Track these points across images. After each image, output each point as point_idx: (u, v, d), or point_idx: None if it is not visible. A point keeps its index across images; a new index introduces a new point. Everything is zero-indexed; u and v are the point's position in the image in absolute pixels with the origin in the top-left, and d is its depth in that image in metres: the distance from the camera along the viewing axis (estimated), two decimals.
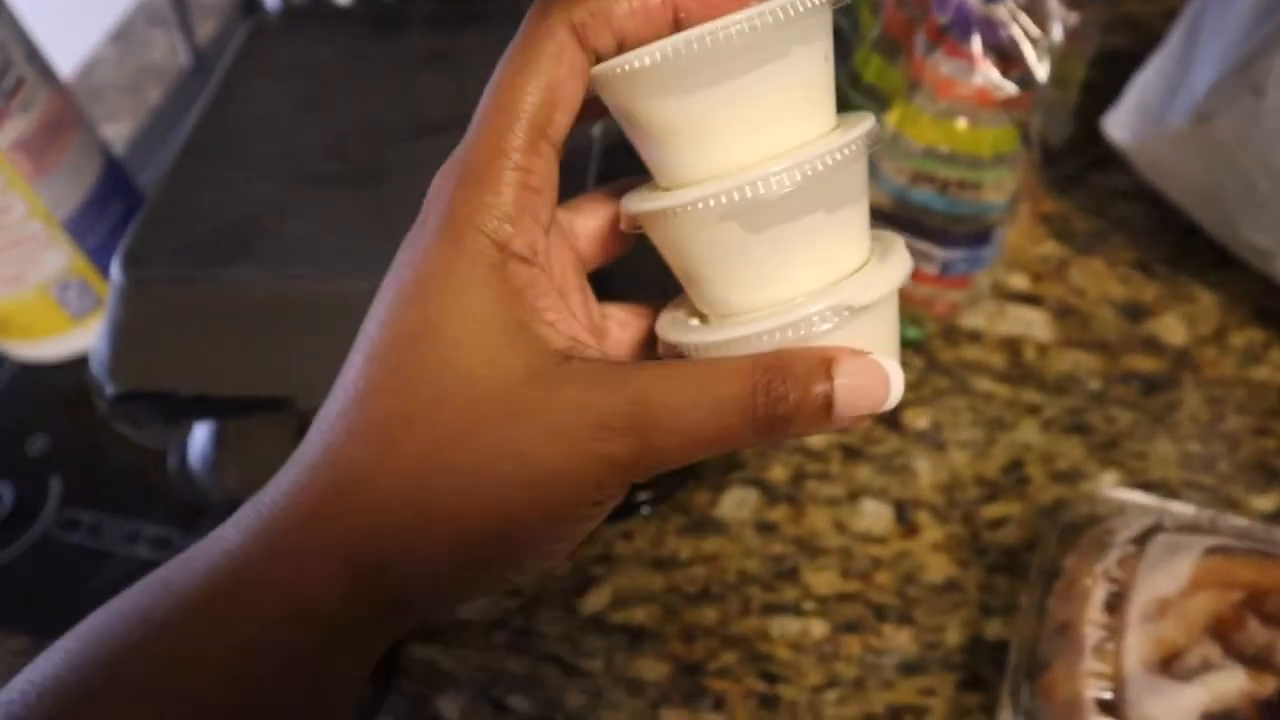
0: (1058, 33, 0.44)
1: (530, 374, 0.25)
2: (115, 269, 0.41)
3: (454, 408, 0.25)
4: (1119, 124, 0.56)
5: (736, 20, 0.23)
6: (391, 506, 0.25)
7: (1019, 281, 0.58)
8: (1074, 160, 0.62)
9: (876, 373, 0.25)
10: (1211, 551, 0.41)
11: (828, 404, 0.25)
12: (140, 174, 0.71)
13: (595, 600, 0.49)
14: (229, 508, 0.49)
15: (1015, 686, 0.42)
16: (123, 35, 0.84)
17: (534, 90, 0.26)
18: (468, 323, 0.25)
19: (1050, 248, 0.59)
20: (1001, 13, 0.44)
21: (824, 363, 0.25)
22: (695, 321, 0.28)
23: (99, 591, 0.53)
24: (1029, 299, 0.57)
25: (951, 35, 0.44)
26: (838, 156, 0.24)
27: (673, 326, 0.28)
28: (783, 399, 0.24)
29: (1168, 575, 0.41)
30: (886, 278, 0.26)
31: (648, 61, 0.24)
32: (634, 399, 0.24)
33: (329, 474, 0.25)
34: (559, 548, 0.26)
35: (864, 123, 0.26)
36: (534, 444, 0.24)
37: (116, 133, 0.76)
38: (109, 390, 0.42)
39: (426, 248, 0.26)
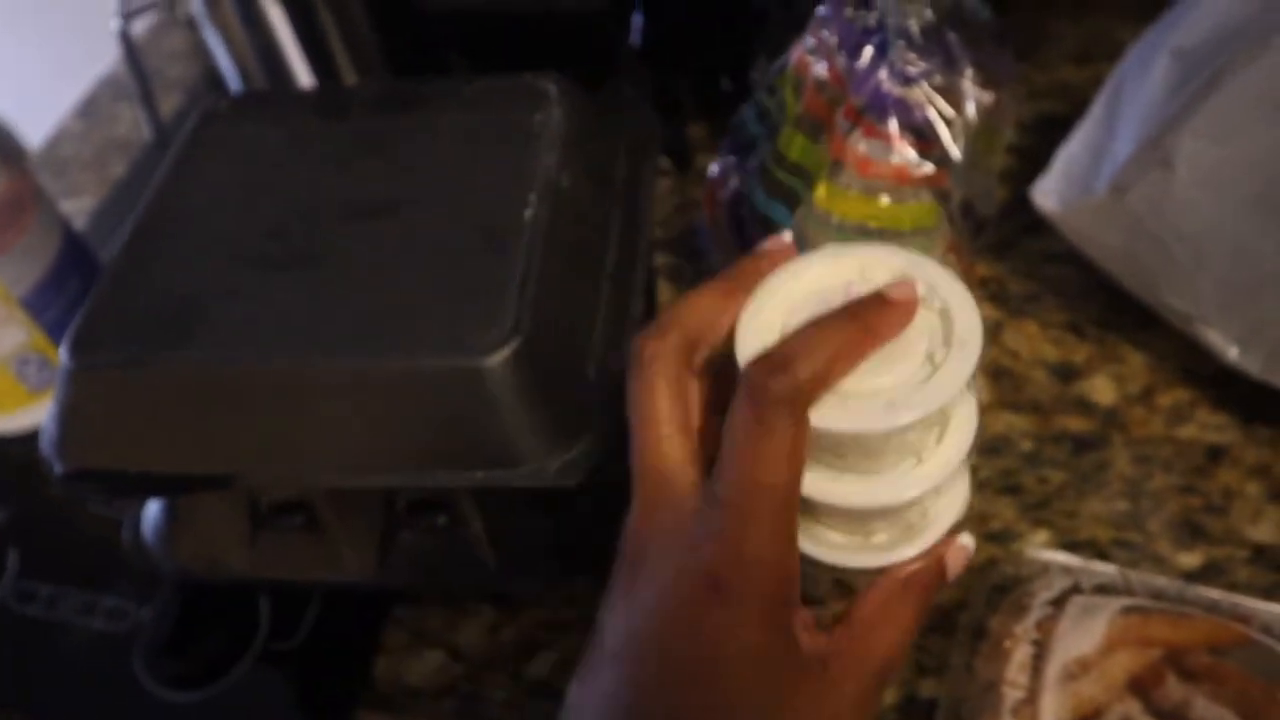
0: (971, 112, 0.46)
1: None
2: (63, 353, 0.42)
3: None
4: (1046, 192, 0.59)
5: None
6: None
7: None
8: (1008, 225, 0.64)
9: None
10: (1127, 611, 0.43)
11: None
12: (102, 247, 0.73)
13: (540, 666, 0.50)
14: (182, 579, 0.50)
15: None
16: (90, 109, 0.86)
17: (682, 440, 0.32)
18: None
19: (986, 311, 0.61)
20: (916, 94, 0.46)
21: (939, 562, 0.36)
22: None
23: (55, 663, 0.54)
24: None
25: (868, 116, 0.46)
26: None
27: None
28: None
29: (1084, 635, 0.42)
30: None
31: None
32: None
33: None
34: None
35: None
36: None
37: (79, 206, 0.77)
38: (58, 468, 0.43)
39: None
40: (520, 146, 0.46)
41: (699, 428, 0.33)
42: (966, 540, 0.36)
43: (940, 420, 0.34)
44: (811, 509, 0.36)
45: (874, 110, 0.46)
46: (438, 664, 0.51)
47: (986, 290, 0.62)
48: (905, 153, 0.46)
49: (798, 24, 0.50)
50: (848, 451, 0.34)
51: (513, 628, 0.52)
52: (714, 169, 0.55)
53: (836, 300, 0.33)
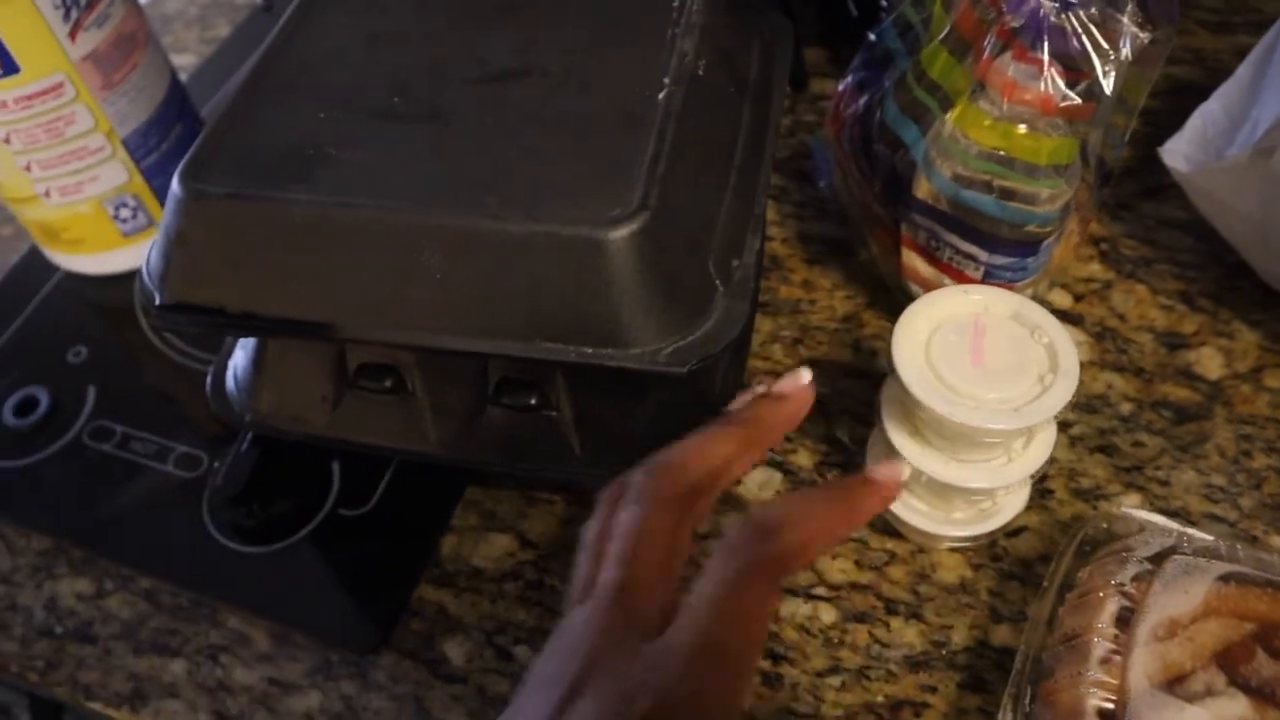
0: (1127, 50, 0.44)
1: None
2: (175, 181, 0.42)
3: None
4: (1177, 152, 0.56)
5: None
6: None
7: (1060, 299, 0.58)
8: (1127, 186, 0.62)
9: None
10: (1227, 579, 0.41)
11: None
12: (201, 107, 0.72)
13: None
14: (261, 432, 0.50)
15: (1018, 690, 0.42)
16: None
17: (662, 590, 0.32)
18: None
19: (1095, 269, 0.59)
20: (1074, 22, 0.44)
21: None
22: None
23: (122, 503, 0.54)
24: (1069, 317, 0.57)
25: (1022, 39, 0.44)
26: None
27: None
28: None
29: (1181, 597, 0.41)
30: None
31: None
32: None
33: None
34: None
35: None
36: None
37: (181, 63, 0.77)
38: (157, 299, 0.43)
39: None
40: (658, 28, 0.45)
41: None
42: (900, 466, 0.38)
43: (1029, 432, 0.44)
44: (909, 480, 0.46)
45: (1028, 33, 0.44)
46: (505, 548, 0.51)
47: (1097, 248, 0.60)
48: (1055, 81, 0.44)
49: None
50: (964, 443, 0.44)
51: (584, 521, 0.51)
52: (844, 82, 0.53)
53: (967, 327, 0.44)
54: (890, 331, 0.55)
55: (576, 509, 0.52)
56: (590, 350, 0.39)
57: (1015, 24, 0.44)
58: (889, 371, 0.44)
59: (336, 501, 0.53)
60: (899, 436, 0.45)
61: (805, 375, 0.39)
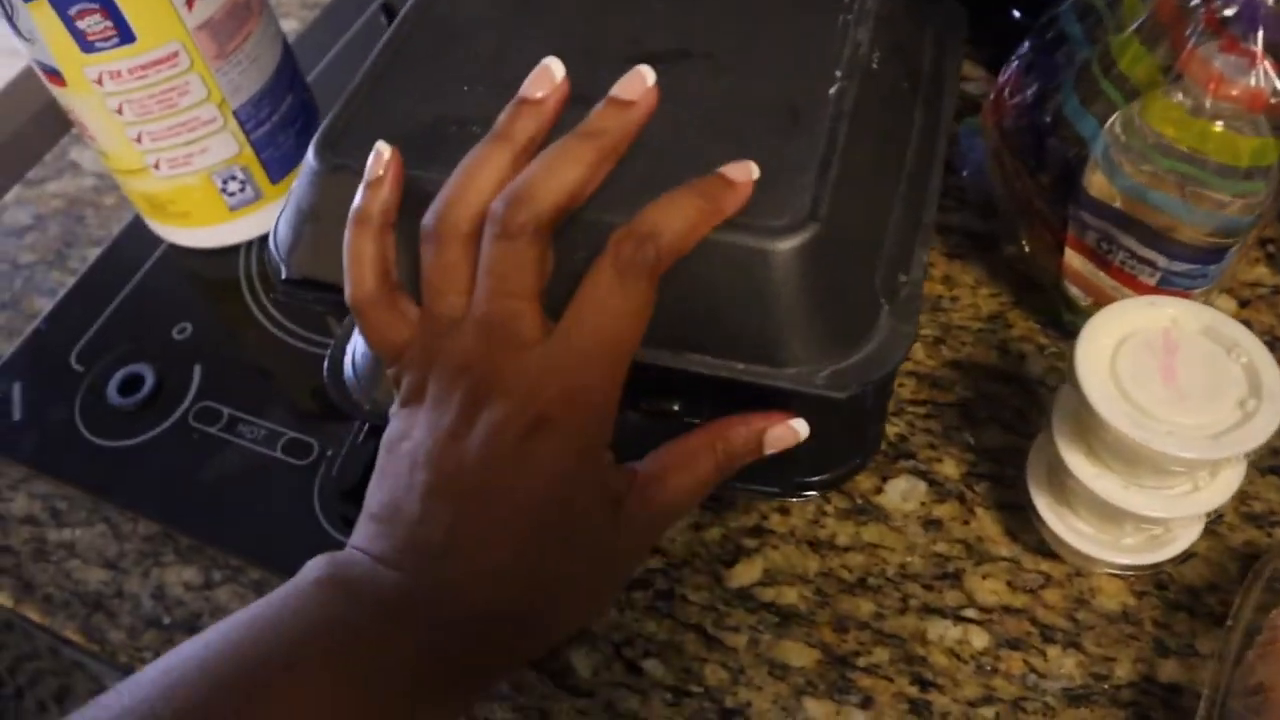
0: None
1: None
2: (310, 152, 0.39)
3: None
4: None
5: None
6: None
7: (1225, 304, 0.54)
8: None
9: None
10: None
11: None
12: (307, 74, 0.70)
13: (745, 573, 0.47)
14: (376, 419, 0.48)
15: None
16: None
17: (539, 305, 0.35)
18: None
19: (1262, 272, 0.55)
20: None
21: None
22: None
23: (226, 488, 0.52)
24: None
25: (1233, 28, 0.40)
26: None
27: None
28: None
29: None
30: None
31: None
32: None
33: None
34: None
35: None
36: None
37: (283, 30, 0.74)
38: (284, 273, 0.41)
39: None
40: (829, 16, 0.41)
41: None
42: (799, 425, 0.38)
43: (1218, 461, 0.40)
44: (1075, 501, 0.44)
45: (1241, 22, 0.40)
46: None
47: (1264, 250, 0.56)
48: (1268, 75, 0.40)
49: None
50: (1146, 468, 0.41)
51: (718, 529, 0.48)
52: (1009, 67, 0.50)
53: (1156, 341, 0.41)
54: (1040, 334, 0.52)
55: (710, 514, 0.49)
56: (743, 367, 0.36)
57: (1227, 12, 0.40)
58: (1068, 383, 0.41)
59: None
60: (1072, 455, 0.42)
61: (648, 76, 0.36)
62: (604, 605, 0.38)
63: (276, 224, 0.42)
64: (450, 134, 0.39)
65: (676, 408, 0.43)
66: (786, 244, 0.35)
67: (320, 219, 0.40)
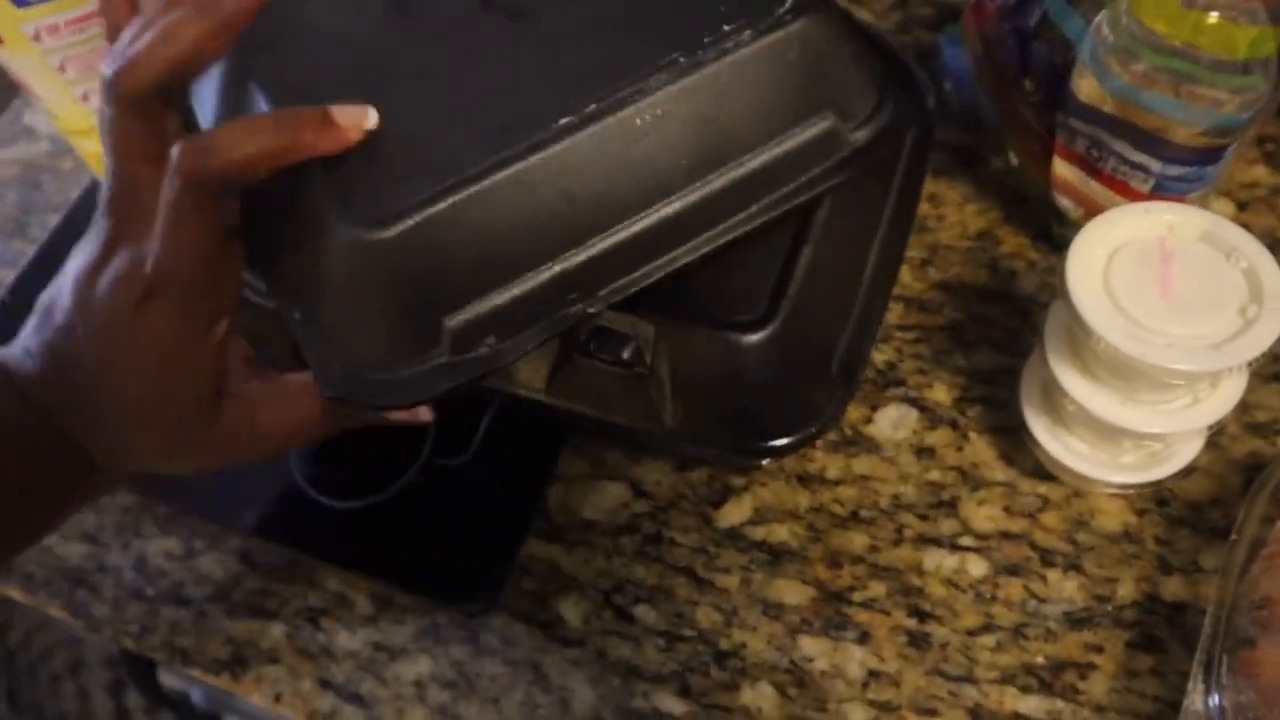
0: None
1: None
2: None
3: None
4: None
5: None
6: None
7: (1223, 208, 0.52)
8: None
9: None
10: None
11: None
12: None
13: (734, 512, 0.46)
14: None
15: (1208, 658, 0.37)
16: None
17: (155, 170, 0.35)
18: None
19: (1260, 173, 0.53)
20: None
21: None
22: None
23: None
24: None
25: None
26: None
27: None
28: None
29: None
30: None
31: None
32: None
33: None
34: None
35: None
36: None
37: None
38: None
39: None
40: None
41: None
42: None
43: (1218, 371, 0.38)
44: (1070, 420, 0.43)
45: None
46: (619, 498, 0.47)
47: (1262, 149, 0.54)
48: None
49: None
50: (1143, 383, 0.39)
51: (702, 470, 0.47)
52: None
53: (1152, 250, 0.39)
54: (1030, 249, 0.50)
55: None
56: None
57: None
58: (1060, 298, 0.39)
59: (432, 451, 0.49)
60: (1065, 371, 0.40)
61: (372, 118, 0.34)
62: (203, 466, 0.38)
63: None
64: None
65: (628, 355, 0.40)
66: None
67: None
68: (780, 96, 0.35)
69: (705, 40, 0.34)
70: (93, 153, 0.57)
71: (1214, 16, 0.39)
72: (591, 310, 0.34)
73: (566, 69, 0.35)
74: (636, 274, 0.34)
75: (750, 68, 0.34)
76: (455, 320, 0.34)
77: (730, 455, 0.44)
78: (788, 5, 0.34)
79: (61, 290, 0.36)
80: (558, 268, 0.34)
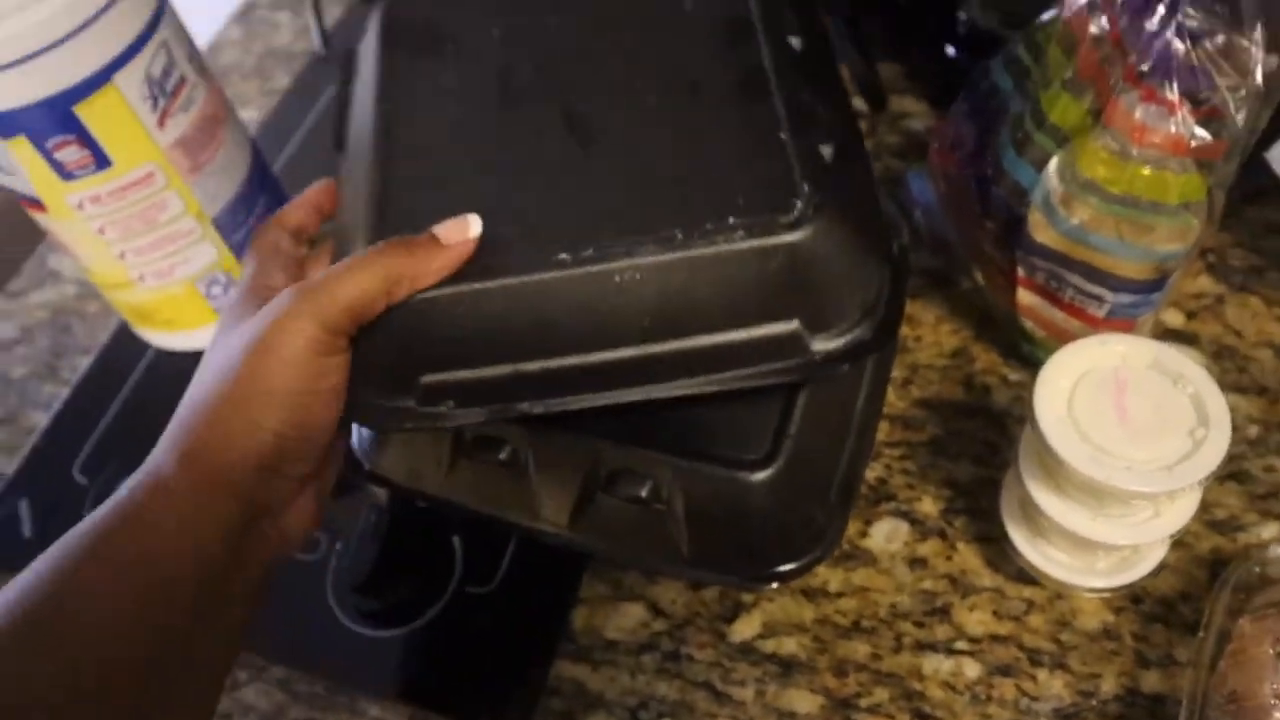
0: (1259, 78, 0.43)
1: None
2: None
3: None
4: None
5: None
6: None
7: (1173, 318, 0.57)
8: (1229, 192, 0.60)
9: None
10: None
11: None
12: (273, 163, 0.72)
13: (745, 627, 0.50)
14: (378, 484, 0.50)
15: None
16: (247, 16, 0.84)
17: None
18: None
19: (1205, 283, 0.58)
20: (1201, 57, 0.42)
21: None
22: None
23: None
24: (1183, 336, 0.56)
25: (1150, 80, 0.43)
26: None
27: None
28: None
29: None
30: None
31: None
32: None
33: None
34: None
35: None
36: None
37: (243, 119, 0.76)
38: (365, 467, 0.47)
39: None
40: None
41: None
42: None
43: None
44: (1047, 532, 0.47)
45: (1157, 74, 0.42)
46: (638, 618, 0.51)
47: (1205, 260, 0.59)
48: (1186, 122, 0.43)
49: None
50: (1111, 500, 0.43)
51: (714, 588, 0.51)
52: (950, 116, 0.52)
53: (1108, 380, 0.43)
54: (1001, 365, 0.55)
55: None
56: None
57: (1144, 66, 0.42)
58: (1030, 426, 0.44)
59: (462, 580, 0.53)
60: (1039, 491, 0.45)
61: (474, 225, 0.39)
62: None
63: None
64: None
65: (645, 493, 0.44)
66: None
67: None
68: (750, 295, 0.38)
69: (707, 226, 0.38)
70: (126, 304, 0.61)
71: (1148, 169, 0.44)
72: (533, 411, 0.39)
73: (588, 207, 0.40)
74: (579, 397, 0.39)
75: (732, 263, 0.38)
76: (429, 379, 0.40)
77: (741, 583, 0.48)
78: (792, 216, 0.37)
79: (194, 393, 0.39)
80: (518, 368, 0.40)
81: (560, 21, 0.47)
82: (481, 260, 0.39)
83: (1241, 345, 0.55)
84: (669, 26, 0.46)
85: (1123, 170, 0.45)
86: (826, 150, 0.40)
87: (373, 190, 0.42)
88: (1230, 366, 0.55)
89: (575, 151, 0.42)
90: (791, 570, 0.43)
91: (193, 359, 0.63)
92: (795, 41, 0.44)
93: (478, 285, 0.38)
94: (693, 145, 0.41)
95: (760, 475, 0.42)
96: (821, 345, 0.39)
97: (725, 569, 0.44)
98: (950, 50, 0.64)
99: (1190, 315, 0.57)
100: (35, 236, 0.74)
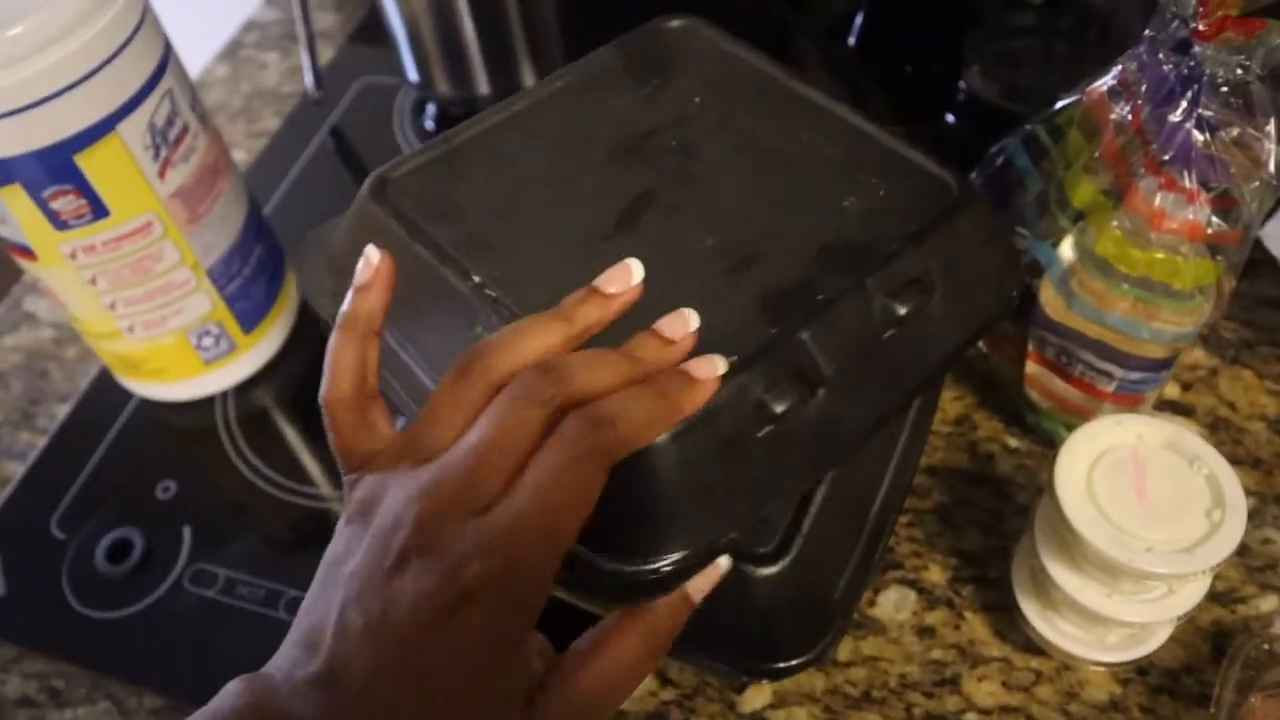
0: (1272, 168, 0.44)
1: None
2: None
3: None
4: (1278, 236, 0.57)
5: None
6: None
7: (1170, 389, 0.58)
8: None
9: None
10: None
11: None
12: (262, 206, 0.70)
13: (756, 698, 0.49)
14: None
15: None
16: (233, 55, 0.83)
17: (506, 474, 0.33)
18: None
19: (1199, 355, 0.59)
20: (1218, 148, 0.43)
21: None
22: None
23: (232, 653, 0.52)
24: (1180, 408, 0.57)
25: (1170, 169, 0.43)
26: None
27: None
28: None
29: None
30: None
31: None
32: None
33: None
34: None
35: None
36: None
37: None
38: None
39: None
40: None
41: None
42: (720, 560, 0.36)
43: None
44: (1059, 606, 0.47)
45: (1177, 163, 0.43)
46: (646, 687, 0.50)
47: (1199, 333, 0.60)
48: (1203, 210, 0.44)
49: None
50: (1126, 578, 0.43)
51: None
52: None
53: (1127, 459, 0.44)
54: (1004, 433, 0.55)
55: None
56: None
57: (1165, 156, 0.43)
58: (1048, 497, 0.44)
59: None
60: (1055, 566, 0.45)
61: (692, 320, 0.36)
62: None
63: None
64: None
65: None
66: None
67: None
68: None
69: None
70: (112, 353, 0.59)
71: (1162, 254, 0.45)
72: None
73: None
74: None
75: None
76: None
77: (739, 675, 0.47)
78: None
79: (331, 607, 0.31)
80: None
81: None
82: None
83: (1236, 417, 0.57)
84: None
85: (1139, 255, 0.45)
86: None
87: None
88: (1225, 438, 0.56)
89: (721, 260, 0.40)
90: (791, 667, 0.43)
91: (177, 409, 0.63)
92: None
93: None
94: None
95: (768, 570, 0.42)
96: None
97: (724, 659, 0.43)
98: (950, 118, 0.65)
99: (1186, 386, 0.58)
100: (9, 276, 0.72)
